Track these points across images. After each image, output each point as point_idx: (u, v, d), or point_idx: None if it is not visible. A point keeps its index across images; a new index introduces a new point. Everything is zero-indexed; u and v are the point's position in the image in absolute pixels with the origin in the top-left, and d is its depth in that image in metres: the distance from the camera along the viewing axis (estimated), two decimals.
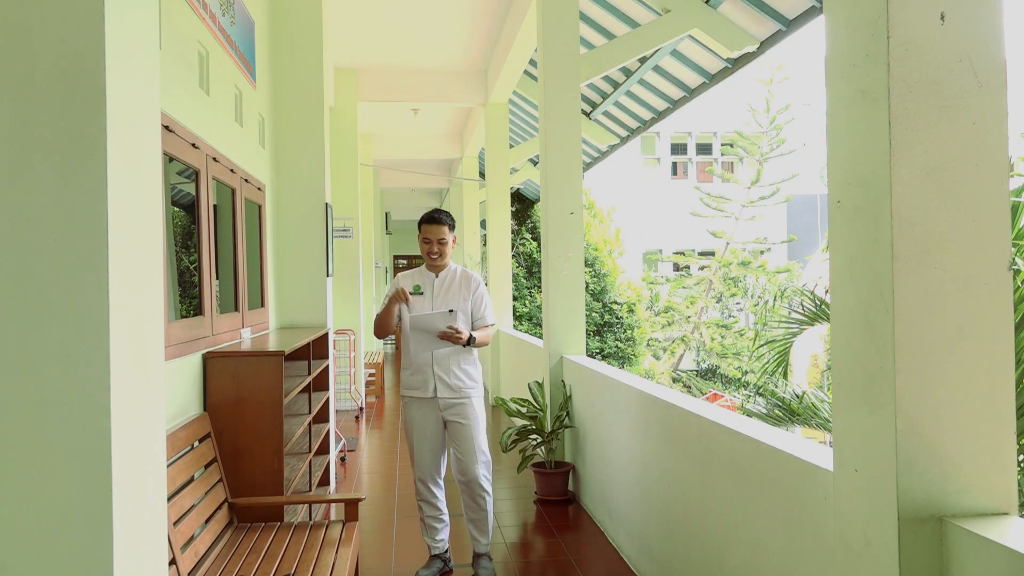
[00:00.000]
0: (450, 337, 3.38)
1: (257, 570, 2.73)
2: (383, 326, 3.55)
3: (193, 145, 3.15)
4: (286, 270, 5.01)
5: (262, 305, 4.52)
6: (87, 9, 1.35)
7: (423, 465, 3.60)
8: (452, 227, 3.60)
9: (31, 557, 1.36)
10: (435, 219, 3.55)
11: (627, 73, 7.70)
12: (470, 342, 3.47)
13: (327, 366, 4.97)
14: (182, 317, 3.15)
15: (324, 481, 4.90)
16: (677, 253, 18.06)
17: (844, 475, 1.65)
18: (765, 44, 5.73)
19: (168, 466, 2.52)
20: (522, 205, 16.02)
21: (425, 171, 14.81)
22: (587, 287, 13.90)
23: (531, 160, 12.63)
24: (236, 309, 3.92)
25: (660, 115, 8.28)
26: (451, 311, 3.41)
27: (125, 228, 1.43)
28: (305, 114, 5.08)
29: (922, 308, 1.49)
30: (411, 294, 3.54)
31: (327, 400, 4.92)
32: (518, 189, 15.48)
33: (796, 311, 5.57)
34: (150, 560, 1.55)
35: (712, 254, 17.66)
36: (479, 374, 3.66)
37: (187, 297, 3.27)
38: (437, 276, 3.62)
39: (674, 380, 16.33)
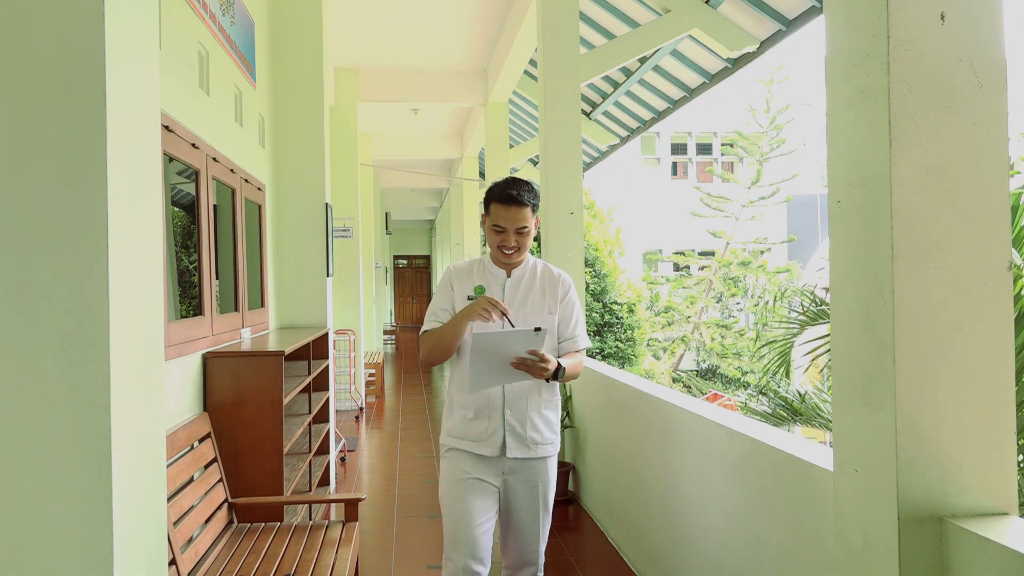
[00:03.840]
0: (531, 368, 2.25)
1: (257, 570, 2.73)
2: (446, 349, 2.39)
3: (193, 145, 3.15)
4: (286, 270, 5.01)
5: (262, 305, 4.52)
6: (87, 9, 1.35)
7: (471, 543, 2.38)
8: (536, 207, 2.42)
9: (31, 557, 1.36)
10: (515, 199, 2.36)
11: (627, 73, 7.70)
12: (556, 376, 2.31)
13: (327, 366, 4.97)
14: (182, 317, 3.15)
15: (324, 481, 4.90)
16: (677, 253, 18.05)
17: (844, 475, 1.65)
18: (765, 44, 5.73)
19: (168, 466, 2.52)
20: None
21: (425, 171, 14.81)
22: (587, 287, 13.90)
23: (531, 160, 12.63)
24: (236, 309, 3.92)
25: (660, 115, 8.28)
26: (538, 330, 2.22)
27: (125, 228, 1.43)
28: (305, 114, 5.08)
29: (922, 308, 1.49)
30: (472, 298, 2.42)
31: (327, 400, 4.92)
32: None
33: (796, 311, 5.57)
34: (150, 560, 1.55)
35: (712, 254, 17.65)
36: (559, 421, 2.55)
37: (187, 297, 3.27)
38: (509, 275, 2.49)
39: (674, 380, 16.33)
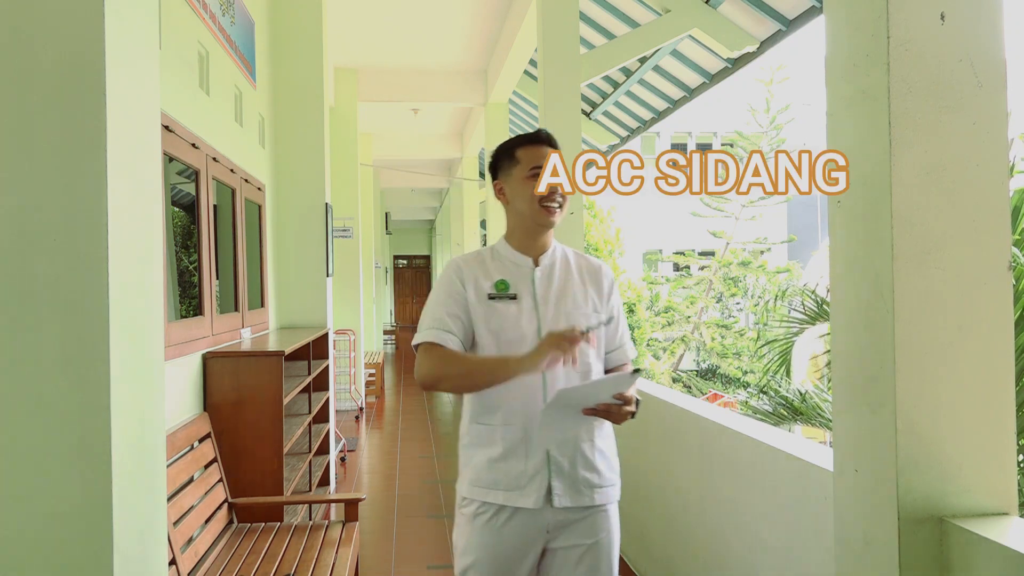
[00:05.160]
0: (613, 414, 1.71)
1: (257, 570, 2.73)
2: (470, 388, 1.80)
3: (193, 145, 3.15)
4: (286, 270, 5.01)
5: (262, 305, 4.52)
6: (87, 9, 1.35)
7: None
8: None
9: (31, 557, 1.36)
10: (548, 138, 1.86)
11: (627, 73, 7.70)
12: (637, 406, 1.77)
13: (327, 366, 4.97)
14: (182, 317, 3.15)
15: (324, 481, 4.90)
16: (677, 253, 18.05)
17: (844, 475, 1.65)
18: (765, 44, 5.73)
19: (168, 466, 2.52)
20: None
21: (425, 171, 14.81)
22: None
23: None
24: (236, 309, 3.92)
25: (660, 115, 8.28)
26: (637, 371, 1.72)
27: (125, 228, 1.43)
28: (305, 114, 5.08)
29: (922, 308, 1.49)
30: (495, 297, 1.81)
31: (327, 400, 4.92)
32: None
33: (797, 310, 5.57)
34: (150, 560, 1.55)
35: (712, 254, 17.66)
36: (616, 453, 1.93)
37: (187, 297, 3.27)
38: (537, 263, 1.87)
39: (674, 380, 16.33)
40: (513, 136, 1.91)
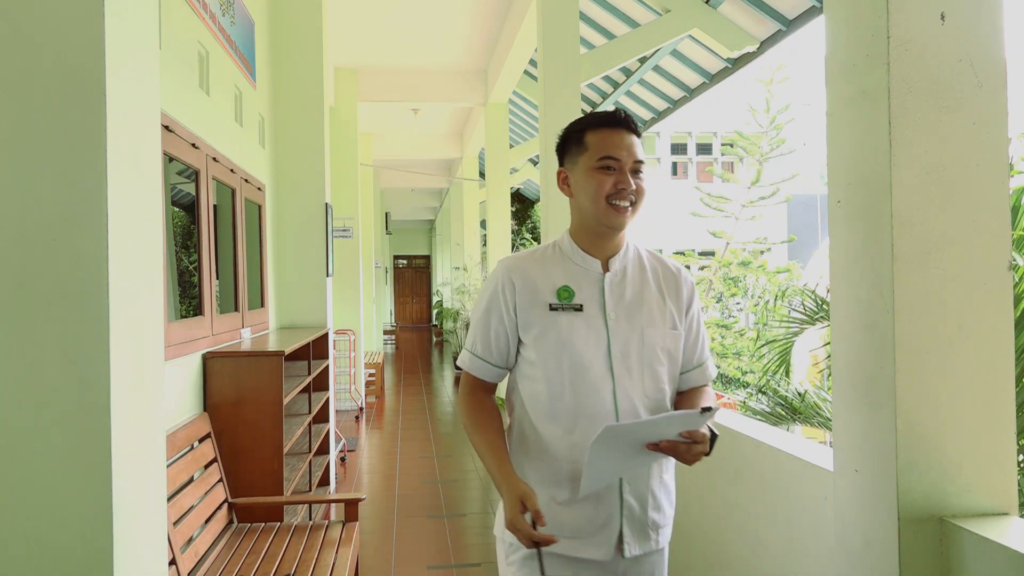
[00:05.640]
0: (680, 453, 1.42)
1: (257, 570, 2.73)
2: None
3: (193, 145, 3.15)
4: (286, 270, 5.01)
5: (262, 305, 4.52)
6: (87, 9, 1.35)
7: None
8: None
9: (31, 557, 1.36)
10: (625, 121, 1.57)
11: (627, 73, 7.71)
12: (712, 443, 1.45)
13: (327, 366, 4.97)
14: (182, 317, 3.15)
15: (324, 481, 4.90)
16: (677, 253, 18.04)
17: (844, 475, 1.65)
18: (765, 44, 5.74)
19: (168, 466, 2.52)
20: (522, 205, 16.04)
21: (425, 171, 14.81)
22: None
23: (531, 160, 12.63)
24: (236, 309, 3.92)
25: (660, 115, 8.30)
26: (706, 409, 1.39)
27: (125, 228, 1.43)
28: (305, 114, 5.08)
29: (922, 308, 1.49)
30: (557, 308, 1.54)
31: (327, 400, 4.92)
32: (518, 189, 15.49)
33: (797, 310, 5.57)
34: (150, 560, 1.55)
35: (712, 254, 17.65)
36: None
37: (187, 297, 3.27)
38: (606, 268, 1.60)
39: None
40: (582, 115, 1.64)
